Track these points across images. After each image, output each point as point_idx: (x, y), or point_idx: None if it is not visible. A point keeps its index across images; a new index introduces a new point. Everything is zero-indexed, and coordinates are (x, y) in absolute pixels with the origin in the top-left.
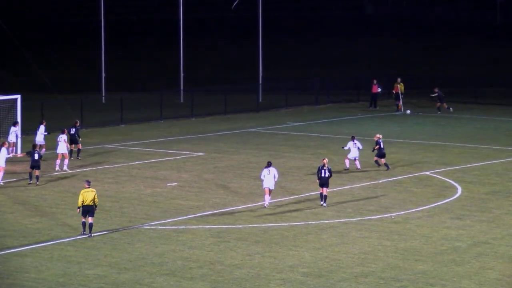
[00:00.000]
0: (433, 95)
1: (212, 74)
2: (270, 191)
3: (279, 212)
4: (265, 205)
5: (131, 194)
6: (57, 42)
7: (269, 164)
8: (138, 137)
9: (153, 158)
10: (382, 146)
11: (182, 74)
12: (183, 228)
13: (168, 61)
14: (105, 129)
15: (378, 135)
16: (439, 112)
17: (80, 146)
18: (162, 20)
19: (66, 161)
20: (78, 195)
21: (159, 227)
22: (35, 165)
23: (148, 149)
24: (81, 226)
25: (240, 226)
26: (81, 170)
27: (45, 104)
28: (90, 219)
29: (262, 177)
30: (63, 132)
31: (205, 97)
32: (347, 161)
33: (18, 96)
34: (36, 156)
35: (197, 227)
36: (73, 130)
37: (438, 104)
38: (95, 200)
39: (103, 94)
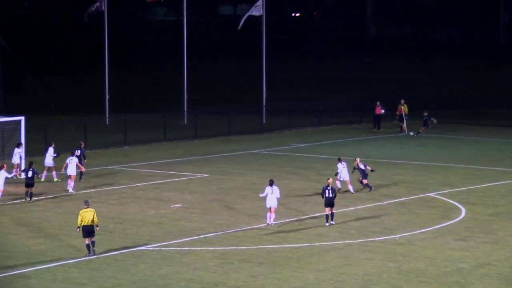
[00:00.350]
0: (427, 118)
1: (215, 96)
2: (273, 209)
3: (283, 234)
4: (269, 223)
5: (135, 216)
6: (59, 62)
7: (271, 182)
8: (141, 159)
9: (157, 179)
10: (363, 168)
11: (185, 96)
12: (187, 249)
13: (171, 82)
14: (108, 150)
15: (357, 160)
16: (414, 133)
17: (83, 168)
18: (165, 41)
19: (72, 183)
20: (77, 216)
21: (163, 248)
22: (28, 182)
23: (152, 170)
24: (85, 248)
25: (244, 247)
26: (85, 191)
27: (49, 125)
28: (92, 238)
29: (264, 195)
30: (72, 154)
31: (209, 119)
32: (338, 182)
33: (22, 118)
34: (30, 174)
35: (201, 248)
36: (78, 152)
37: (422, 128)
38: (95, 219)
39: (107, 116)
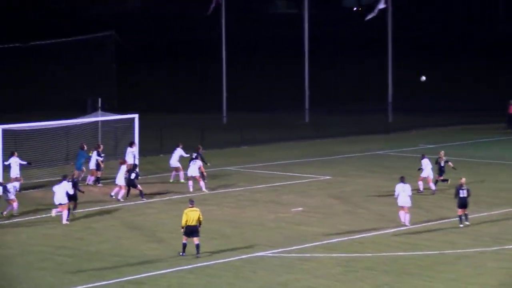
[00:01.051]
0: None
1: (338, 93)
2: (406, 208)
3: (411, 240)
4: (406, 224)
5: (253, 220)
6: (176, 58)
7: (402, 179)
8: (260, 159)
9: (276, 181)
10: (442, 165)
11: (307, 93)
12: (308, 256)
13: (291, 78)
14: (225, 150)
15: (441, 153)
16: None
17: (203, 170)
18: (285, 36)
19: (202, 183)
20: (182, 215)
21: (283, 254)
22: (129, 184)
23: (271, 172)
24: (181, 247)
25: (369, 254)
26: (201, 193)
27: (164, 123)
28: (196, 240)
29: (396, 194)
30: (196, 158)
31: (331, 118)
32: (420, 183)
33: (136, 115)
34: (133, 176)
35: (323, 255)
36: (194, 155)
37: None
38: (200, 219)
39: (224, 114)
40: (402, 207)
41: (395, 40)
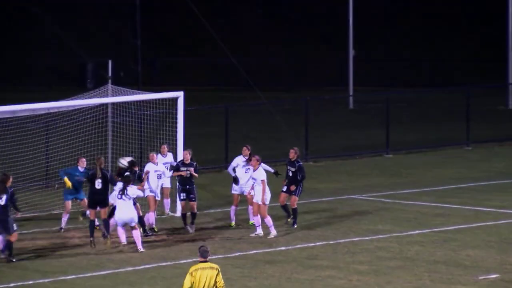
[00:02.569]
0: None
1: None
2: None
3: None
4: None
5: None
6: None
7: None
8: (414, 179)
9: (449, 223)
10: None
11: (510, 62)
12: None
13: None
14: (341, 162)
15: None
16: None
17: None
18: None
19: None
20: (186, 277)
21: None
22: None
23: (438, 204)
24: None
25: None
26: (294, 246)
27: (228, 108)
28: None
29: None
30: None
31: None
32: None
33: (180, 94)
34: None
35: None
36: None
37: None
38: (219, 286)
39: (350, 93)
40: None
41: None
